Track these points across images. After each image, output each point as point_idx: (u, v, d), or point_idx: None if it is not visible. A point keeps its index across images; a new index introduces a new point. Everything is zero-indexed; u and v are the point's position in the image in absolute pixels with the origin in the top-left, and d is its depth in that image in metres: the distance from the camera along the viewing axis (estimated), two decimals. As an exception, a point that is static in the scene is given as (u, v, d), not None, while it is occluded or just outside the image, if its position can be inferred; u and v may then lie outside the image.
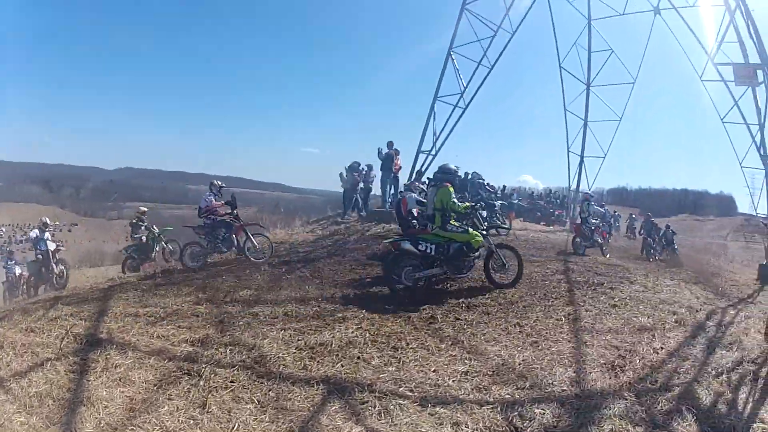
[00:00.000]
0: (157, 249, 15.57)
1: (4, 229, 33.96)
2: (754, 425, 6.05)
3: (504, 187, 22.95)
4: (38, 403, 6.73)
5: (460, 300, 9.77)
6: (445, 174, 10.76)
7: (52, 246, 15.05)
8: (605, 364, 7.37)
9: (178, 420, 6.17)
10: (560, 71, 23.34)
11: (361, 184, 19.90)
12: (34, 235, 15.49)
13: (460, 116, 18.87)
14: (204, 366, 7.25)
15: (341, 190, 20.00)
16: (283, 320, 8.94)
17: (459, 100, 18.73)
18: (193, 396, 6.59)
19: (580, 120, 23.77)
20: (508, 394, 6.45)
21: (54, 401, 6.75)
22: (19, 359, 7.91)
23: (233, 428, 6.01)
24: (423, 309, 9.24)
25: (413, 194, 13.38)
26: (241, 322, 8.88)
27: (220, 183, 14.41)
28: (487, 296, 9.97)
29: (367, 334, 8.11)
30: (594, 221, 16.65)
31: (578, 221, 17.05)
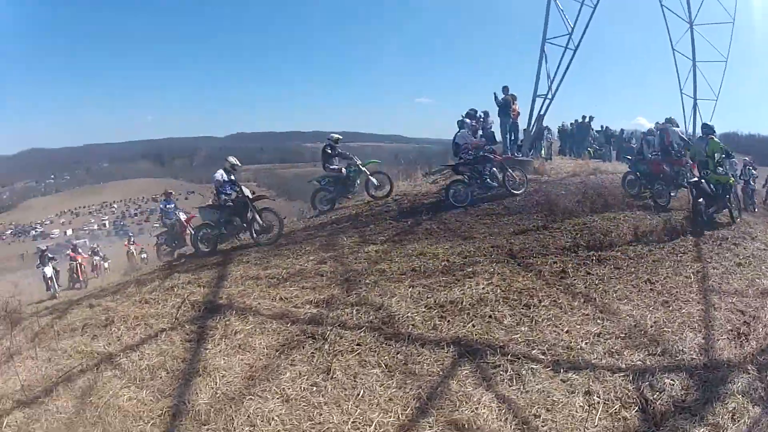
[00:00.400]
0: (358, 182, 14.58)
1: (116, 206, 35.29)
2: None
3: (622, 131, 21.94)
4: (149, 376, 6.56)
5: (590, 253, 9.11)
6: (708, 128, 12.39)
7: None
8: (731, 330, 7.02)
9: (300, 387, 5.91)
10: (662, 9, 21.27)
11: (480, 132, 18.93)
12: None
13: (572, 58, 17.39)
14: (329, 328, 6.91)
15: None
16: (411, 276, 8.36)
17: (568, 42, 17.32)
18: (317, 361, 6.31)
19: (688, 61, 21.76)
20: (639, 360, 6.17)
21: (167, 373, 6.56)
22: (131, 332, 7.74)
23: (357, 395, 5.73)
24: (553, 262, 8.71)
25: (676, 129, 14.00)
26: (367, 280, 8.33)
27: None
28: (617, 249, 9.36)
29: (499, 290, 7.61)
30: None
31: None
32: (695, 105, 21.74)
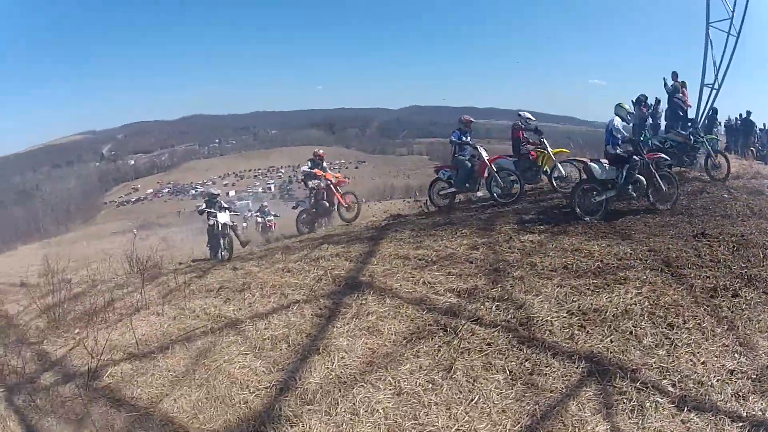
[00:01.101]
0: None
1: (283, 170, 36.33)
2: None
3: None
4: (270, 347, 6.76)
5: (743, 270, 8.01)
6: None
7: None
8: None
9: (416, 382, 5.84)
10: None
11: (649, 120, 17.91)
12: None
13: (735, 45, 16.65)
14: (463, 322, 6.72)
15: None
16: (561, 274, 7.87)
17: (730, 27, 16.62)
18: (441, 356, 6.17)
19: None
20: (760, 409, 5.43)
21: (288, 346, 6.73)
22: (265, 300, 8.05)
23: (471, 400, 5.58)
24: (706, 276, 7.82)
25: None
26: (515, 273, 7.96)
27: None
28: None
29: (646, 303, 6.98)
30: None
31: None
32: None
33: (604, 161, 10.66)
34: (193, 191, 33.13)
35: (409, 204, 15.86)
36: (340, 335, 6.68)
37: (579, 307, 6.85)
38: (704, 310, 6.94)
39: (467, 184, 12.84)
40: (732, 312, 6.93)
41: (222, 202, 12.77)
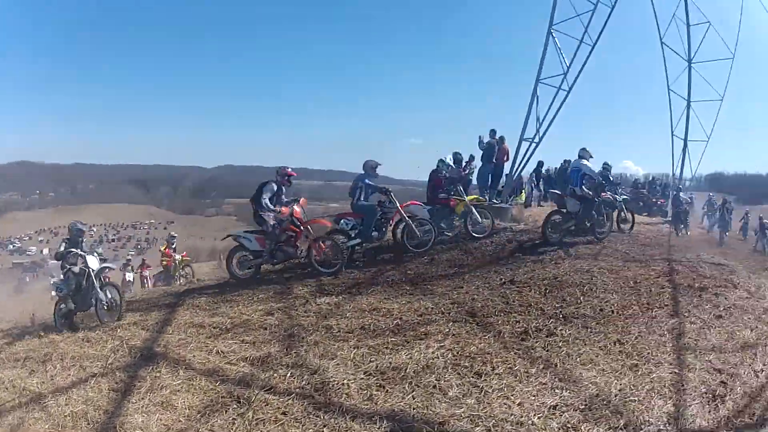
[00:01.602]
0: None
1: (95, 229, 35.65)
2: None
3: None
4: (72, 424, 6.37)
5: (557, 310, 8.62)
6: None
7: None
8: (706, 393, 6.49)
9: None
10: (662, 47, 21.78)
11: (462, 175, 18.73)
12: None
13: (564, 99, 17.28)
14: (257, 392, 6.49)
15: None
16: (358, 335, 7.97)
17: (562, 82, 17.18)
18: (237, 428, 5.89)
19: (682, 100, 22.17)
20: None
21: (88, 424, 6.34)
22: (65, 373, 7.59)
23: None
24: (516, 321, 8.22)
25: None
26: (311, 338, 7.99)
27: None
28: (586, 305, 8.84)
29: (450, 355, 7.06)
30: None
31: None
32: (685, 147, 22.30)
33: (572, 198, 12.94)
34: (11, 246, 31.78)
35: (214, 266, 15.63)
36: (135, 411, 6.29)
37: (377, 367, 6.83)
38: (515, 353, 7.16)
39: (375, 233, 12.13)
40: (547, 351, 7.23)
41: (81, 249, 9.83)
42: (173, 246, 18.04)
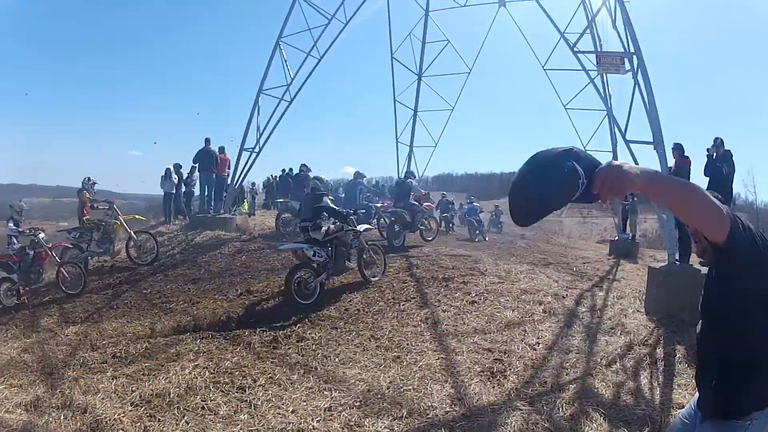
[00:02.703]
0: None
1: None
2: (673, 411, 5.60)
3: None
4: None
5: (299, 316, 8.91)
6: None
7: None
8: (483, 371, 6.77)
9: None
10: (392, 62, 23.07)
11: (183, 188, 19.06)
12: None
13: (285, 110, 17.72)
14: None
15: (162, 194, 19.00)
16: (113, 365, 7.43)
17: (285, 93, 17.62)
18: None
19: (409, 110, 23.97)
20: (386, 427, 5.56)
21: None
22: None
23: None
24: (263, 331, 8.27)
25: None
26: (70, 373, 7.27)
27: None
28: (331, 307, 9.27)
29: (207, 373, 6.78)
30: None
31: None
32: (411, 153, 24.11)
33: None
34: None
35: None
36: None
37: (140, 396, 6.31)
38: (271, 363, 7.14)
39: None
40: (302, 356, 7.30)
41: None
42: None
